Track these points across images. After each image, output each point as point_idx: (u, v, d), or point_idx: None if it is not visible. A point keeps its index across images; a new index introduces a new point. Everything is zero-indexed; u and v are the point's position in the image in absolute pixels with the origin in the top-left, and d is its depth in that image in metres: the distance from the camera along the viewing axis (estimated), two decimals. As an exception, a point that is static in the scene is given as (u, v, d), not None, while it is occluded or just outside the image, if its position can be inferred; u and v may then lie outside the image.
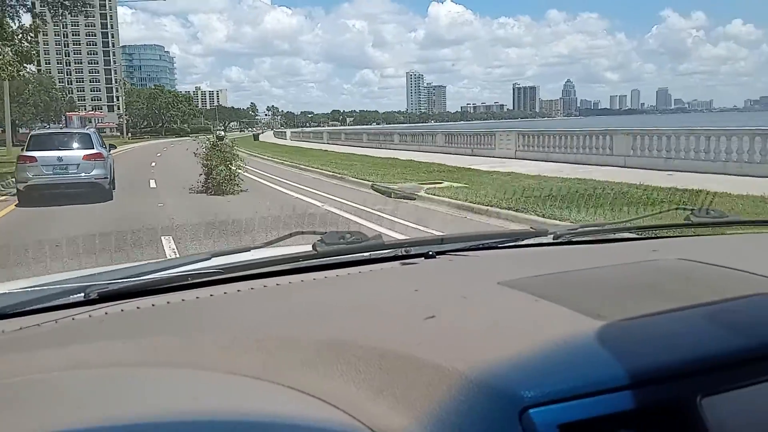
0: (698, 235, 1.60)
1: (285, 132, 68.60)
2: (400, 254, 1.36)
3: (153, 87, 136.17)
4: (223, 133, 21.83)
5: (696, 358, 0.72)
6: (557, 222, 7.78)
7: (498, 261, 1.37)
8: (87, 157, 12.72)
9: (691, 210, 1.55)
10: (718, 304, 0.85)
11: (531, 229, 1.56)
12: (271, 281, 1.19)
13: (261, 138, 61.77)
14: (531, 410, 0.63)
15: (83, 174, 12.66)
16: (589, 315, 0.82)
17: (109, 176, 13.29)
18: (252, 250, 1.33)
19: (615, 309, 0.85)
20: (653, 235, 1.60)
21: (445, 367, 0.70)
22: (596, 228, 1.61)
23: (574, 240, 1.52)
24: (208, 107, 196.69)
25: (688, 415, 0.68)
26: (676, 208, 1.66)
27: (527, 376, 0.67)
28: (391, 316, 0.94)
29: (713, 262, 1.11)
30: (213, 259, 1.25)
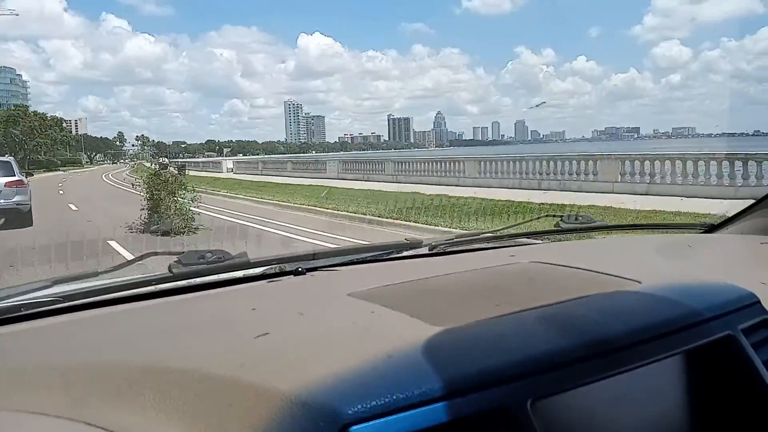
0: (566, 240, 1.66)
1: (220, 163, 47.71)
2: (268, 272, 1.27)
3: (12, 108, 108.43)
4: (167, 160, 19.40)
5: (524, 360, 0.71)
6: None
7: (367, 274, 1.31)
8: (9, 184, 12.60)
9: (561, 217, 1.65)
10: (553, 306, 0.86)
11: (406, 241, 1.50)
12: (118, 308, 1.09)
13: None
14: (353, 427, 0.60)
15: (3, 200, 12.41)
16: (426, 322, 0.81)
17: (29, 203, 12.90)
18: (100, 275, 1.22)
19: (454, 314, 0.84)
20: (524, 242, 1.60)
21: (266, 388, 0.65)
22: (471, 237, 1.58)
23: (448, 250, 1.49)
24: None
25: (518, 420, 0.66)
26: (547, 215, 1.92)
27: (350, 392, 0.63)
28: (219, 338, 0.87)
29: (567, 263, 1.12)
30: (55, 286, 1.13)
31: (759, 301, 0.94)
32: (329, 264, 1.34)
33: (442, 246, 1.50)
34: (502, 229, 1.72)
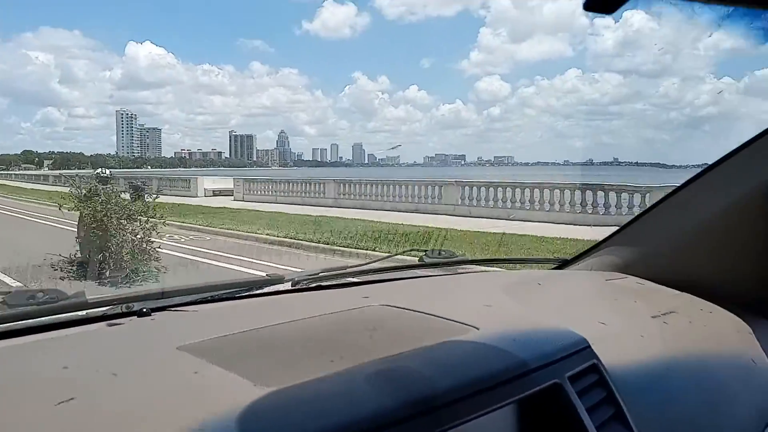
0: (427, 276, 1.63)
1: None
2: (108, 314, 1.14)
3: None
4: (108, 171, 14.02)
5: (348, 424, 0.69)
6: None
7: (218, 315, 1.23)
8: None
9: (425, 251, 1.84)
10: (387, 360, 0.85)
11: (267, 277, 1.43)
12: None
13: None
14: None
15: None
16: (253, 382, 0.77)
17: None
18: None
19: (286, 372, 0.81)
20: (388, 278, 1.58)
21: None
22: (335, 272, 1.52)
23: (311, 286, 1.45)
24: None
25: None
26: (411, 250, 1.93)
27: None
28: (18, 403, 0.76)
29: (420, 306, 1.13)
30: None
31: (589, 346, 0.98)
32: (179, 303, 1.23)
33: (304, 282, 1.45)
34: (366, 264, 1.71)
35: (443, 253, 1.68)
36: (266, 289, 1.40)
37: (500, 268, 1.85)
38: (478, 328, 0.99)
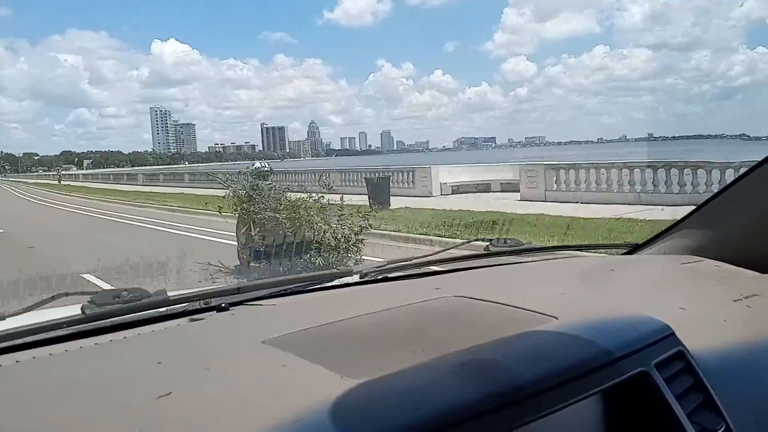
0: (496, 265, 1.59)
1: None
2: (189, 309, 1.17)
3: None
4: (267, 165, 11.53)
5: (436, 415, 0.68)
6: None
7: (294, 308, 1.23)
8: None
9: (490, 240, 1.80)
10: (468, 351, 0.83)
11: (336, 271, 1.44)
12: (27, 354, 0.97)
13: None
14: None
15: None
16: (339, 374, 0.78)
17: None
18: (7, 318, 1.08)
19: (370, 365, 0.80)
20: (455, 268, 1.56)
21: None
22: (402, 264, 1.49)
23: (379, 278, 1.44)
24: None
25: None
26: (476, 239, 1.88)
27: None
28: (118, 398, 0.78)
29: (493, 296, 1.10)
30: None
31: (673, 333, 0.95)
32: (254, 297, 1.25)
33: (372, 274, 1.43)
34: (433, 254, 1.66)
35: (509, 241, 1.66)
36: (336, 282, 1.41)
37: (569, 254, 1.80)
38: (557, 318, 0.97)
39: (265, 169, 9.22)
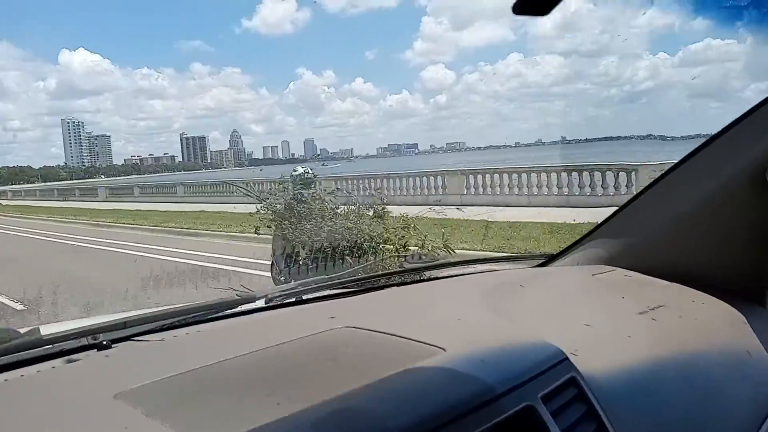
0: (410, 282, 1.53)
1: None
2: (64, 349, 1.05)
3: None
4: (311, 171, 7.06)
5: None
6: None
7: (181, 345, 1.13)
8: None
9: (404, 257, 1.75)
10: (341, 398, 0.79)
11: (238, 296, 1.32)
12: None
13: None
14: None
15: None
16: None
17: None
18: None
19: (224, 422, 0.76)
20: (369, 287, 1.49)
21: None
22: (313, 285, 1.40)
23: (286, 302, 1.35)
24: None
25: None
26: (392, 256, 1.81)
27: None
28: None
29: (388, 323, 1.05)
30: None
31: (566, 359, 0.91)
32: (142, 332, 1.15)
33: (279, 298, 1.35)
34: (346, 273, 1.60)
35: (423, 257, 1.66)
36: (239, 308, 1.31)
37: (484, 268, 1.77)
38: (445, 350, 0.91)
39: (309, 175, 7.43)
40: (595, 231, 1.67)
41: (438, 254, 1.70)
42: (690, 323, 1.22)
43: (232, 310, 1.29)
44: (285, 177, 7.82)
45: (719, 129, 1.31)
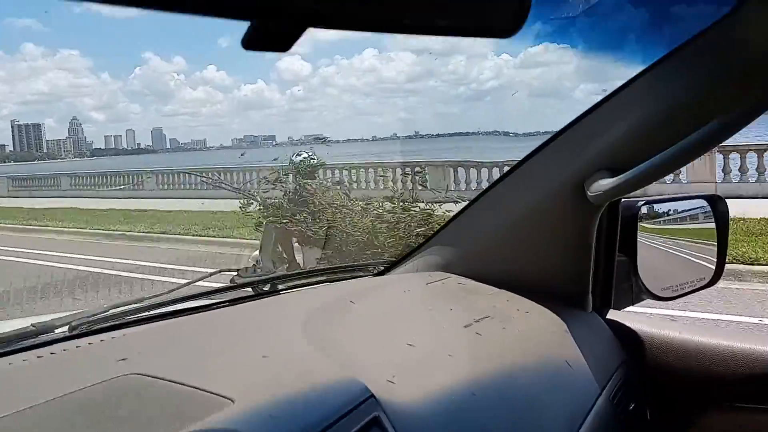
0: (226, 306, 1.34)
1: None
2: None
3: None
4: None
5: None
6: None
7: None
8: None
9: (237, 271, 1.51)
10: None
11: (33, 327, 1.09)
12: None
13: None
14: None
15: None
16: None
17: None
18: None
19: None
20: (188, 307, 1.31)
21: None
22: (126, 309, 1.23)
23: (94, 329, 1.16)
24: None
25: None
26: (221, 271, 1.64)
27: None
28: None
29: (182, 365, 0.93)
30: None
31: (371, 396, 0.83)
32: None
33: (84, 326, 1.14)
34: (161, 294, 1.39)
35: (259, 270, 1.51)
36: (39, 339, 1.07)
37: (324, 278, 1.66)
38: (233, 401, 0.80)
39: (314, 161, 6.07)
40: (434, 236, 1.65)
41: (275, 269, 1.51)
42: (513, 336, 1.21)
43: (33, 341, 1.05)
44: (280, 165, 6.62)
45: (553, 129, 1.35)
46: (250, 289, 1.42)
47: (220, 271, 1.63)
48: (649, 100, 1.16)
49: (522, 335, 1.21)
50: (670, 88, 1.12)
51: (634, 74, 1.17)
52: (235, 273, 1.51)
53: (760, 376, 1.29)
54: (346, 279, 1.70)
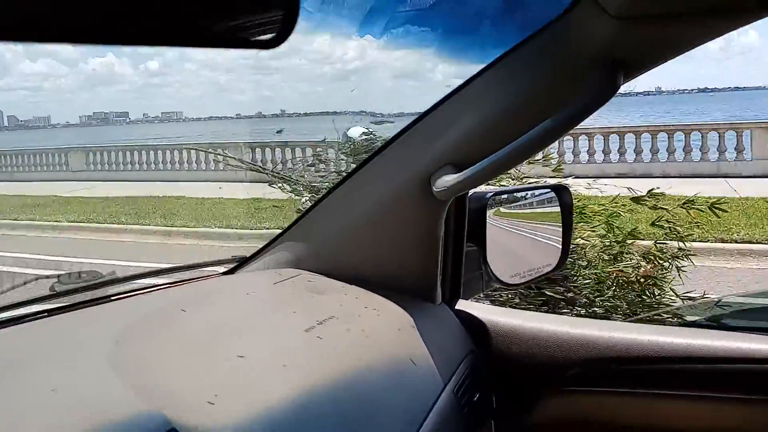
0: (37, 319, 1.14)
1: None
2: None
3: None
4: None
5: None
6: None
7: None
8: None
9: (57, 277, 1.30)
10: None
11: None
12: None
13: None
14: None
15: None
16: None
17: None
18: None
19: None
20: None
21: None
22: None
23: None
24: None
25: None
26: (38, 278, 1.39)
27: None
28: None
29: None
30: None
31: (172, 430, 0.75)
32: None
33: None
34: None
35: (84, 275, 1.34)
36: None
37: (162, 280, 1.50)
38: None
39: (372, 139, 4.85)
40: (287, 231, 1.57)
41: (101, 273, 1.30)
42: (356, 336, 1.15)
43: None
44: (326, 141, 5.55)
45: (416, 111, 1.31)
46: (66, 299, 1.24)
47: (36, 279, 1.41)
48: (490, 98, 1.16)
49: (366, 335, 1.17)
50: (509, 86, 1.13)
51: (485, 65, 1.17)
52: (55, 279, 1.31)
53: (593, 360, 1.37)
54: (190, 281, 1.56)
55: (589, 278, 3.67)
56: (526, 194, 1.71)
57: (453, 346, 1.35)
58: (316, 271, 1.45)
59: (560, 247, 1.65)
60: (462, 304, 1.50)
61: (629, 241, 3.92)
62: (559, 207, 1.64)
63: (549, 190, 1.69)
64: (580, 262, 3.73)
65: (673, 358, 1.33)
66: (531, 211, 1.72)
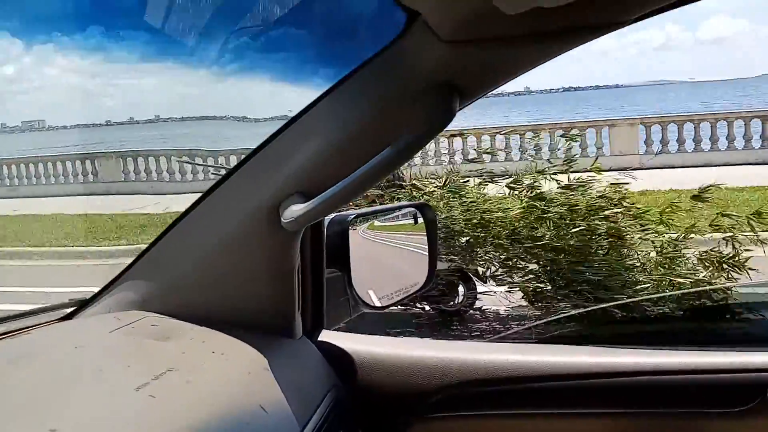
0: None
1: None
2: None
3: None
4: None
5: None
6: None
7: None
8: None
9: None
10: None
11: None
12: None
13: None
14: None
15: None
16: None
17: None
18: None
19: None
20: None
21: None
22: None
23: None
24: None
25: None
26: None
27: None
28: None
29: None
30: None
31: None
32: None
33: None
34: None
35: None
36: None
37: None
38: None
39: None
40: (129, 269, 1.40)
41: None
42: (197, 390, 1.03)
43: None
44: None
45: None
46: None
47: None
48: (330, 125, 1.10)
49: (208, 388, 1.05)
50: (349, 112, 1.08)
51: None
52: None
53: (456, 385, 1.35)
54: (18, 332, 1.36)
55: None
56: (389, 214, 1.68)
57: (313, 383, 1.28)
58: (164, 312, 1.31)
59: (427, 264, 1.63)
60: (325, 335, 1.43)
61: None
62: (424, 224, 1.63)
63: (412, 207, 1.67)
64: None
65: (535, 376, 1.34)
66: (395, 231, 1.69)
